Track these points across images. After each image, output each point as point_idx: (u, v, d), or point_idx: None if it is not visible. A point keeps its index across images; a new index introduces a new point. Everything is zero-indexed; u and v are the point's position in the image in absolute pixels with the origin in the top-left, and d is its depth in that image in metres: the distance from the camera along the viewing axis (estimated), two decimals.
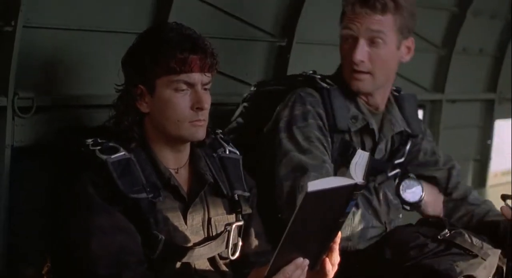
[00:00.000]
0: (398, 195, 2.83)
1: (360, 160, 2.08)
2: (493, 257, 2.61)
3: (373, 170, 2.76)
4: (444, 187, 3.00)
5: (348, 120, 2.73)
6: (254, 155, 2.73)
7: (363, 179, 2.02)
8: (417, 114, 3.03)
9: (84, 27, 2.68)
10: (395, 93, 2.94)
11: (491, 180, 5.09)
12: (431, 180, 2.98)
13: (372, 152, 2.79)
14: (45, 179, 2.45)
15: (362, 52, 2.68)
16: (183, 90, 2.28)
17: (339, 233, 2.10)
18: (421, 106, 4.53)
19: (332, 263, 2.14)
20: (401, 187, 2.85)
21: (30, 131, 2.55)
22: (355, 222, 2.62)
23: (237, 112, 2.93)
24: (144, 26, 2.75)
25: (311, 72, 2.86)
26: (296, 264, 2.04)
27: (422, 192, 2.90)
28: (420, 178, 2.96)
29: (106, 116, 2.38)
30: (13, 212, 2.52)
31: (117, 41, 2.71)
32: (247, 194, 2.47)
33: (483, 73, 4.97)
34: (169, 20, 2.82)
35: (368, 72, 2.71)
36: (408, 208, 2.89)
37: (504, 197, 2.69)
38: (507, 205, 2.73)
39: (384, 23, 2.69)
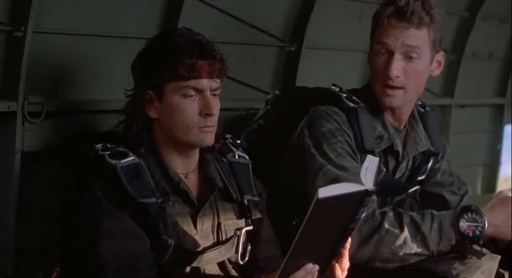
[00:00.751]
0: (455, 228, 2.55)
1: (370, 165, 2.07)
2: (492, 262, 2.58)
3: (393, 190, 2.72)
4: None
5: (373, 141, 2.68)
6: (270, 157, 2.73)
7: (374, 185, 2.01)
8: (441, 133, 2.96)
9: (94, 33, 2.69)
10: (420, 109, 2.87)
11: (500, 185, 5.07)
12: (439, 198, 2.92)
13: (394, 171, 2.75)
14: (55, 184, 2.44)
15: (398, 67, 2.61)
16: (191, 96, 2.28)
17: (349, 239, 2.10)
18: None
19: (342, 269, 2.14)
20: (460, 220, 2.55)
21: (39, 136, 2.56)
22: (396, 244, 2.52)
23: (260, 114, 2.92)
24: (154, 31, 2.75)
25: (337, 89, 2.76)
26: (306, 269, 2.05)
27: (485, 226, 2.55)
28: (432, 195, 2.87)
29: (115, 121, 2.38)
30: (22, 216, 2.53)
31: (126, 46, 2.72)
32: (256, 198, 2.47)
33: (492, 78, 4.95)
34: (179, 25, 2.83)
35: (401, 87, 2.64)
36: (467, 242, 2.56)
37: None
38: None
39: (420, 38, 2.62)
